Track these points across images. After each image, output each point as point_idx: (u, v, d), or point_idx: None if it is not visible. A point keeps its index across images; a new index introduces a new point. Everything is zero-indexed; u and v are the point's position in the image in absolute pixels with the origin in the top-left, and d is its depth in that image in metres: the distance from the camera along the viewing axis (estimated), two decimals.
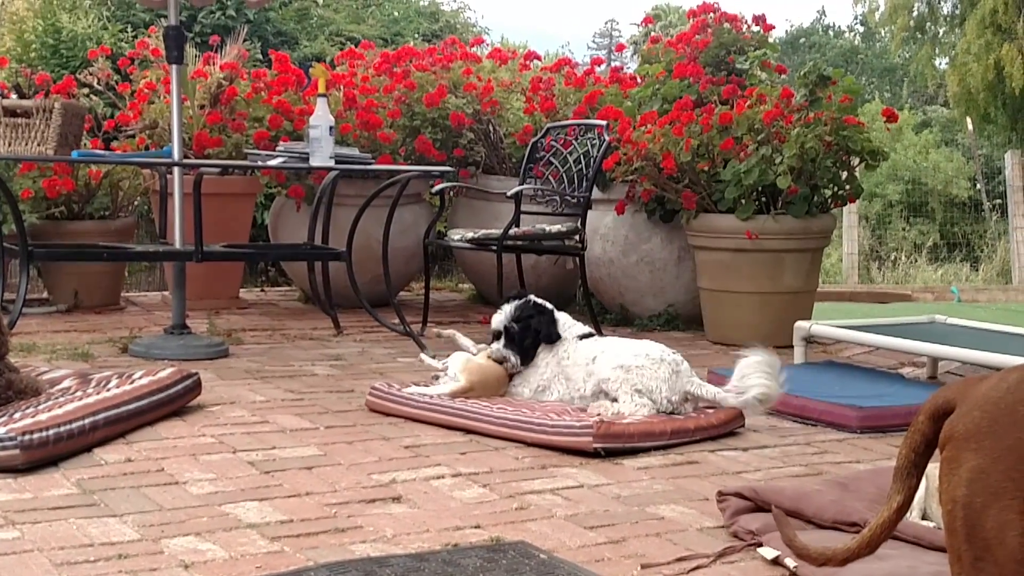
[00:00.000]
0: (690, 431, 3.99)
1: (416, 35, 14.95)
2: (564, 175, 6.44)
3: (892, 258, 15.49)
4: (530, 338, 4.40)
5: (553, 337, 4.41)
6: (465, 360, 4.43)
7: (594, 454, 3.75)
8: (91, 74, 7.31)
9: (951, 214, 17.47)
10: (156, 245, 6.48)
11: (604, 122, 6.42)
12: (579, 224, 6.09)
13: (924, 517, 2.95)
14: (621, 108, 6.76)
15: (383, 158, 6.74)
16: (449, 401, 4.19)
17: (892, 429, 4.26)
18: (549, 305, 4.53)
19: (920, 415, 1.90)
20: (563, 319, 4.50)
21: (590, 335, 4.48)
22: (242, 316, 6.61)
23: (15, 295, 5.44)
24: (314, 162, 5.43)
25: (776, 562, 2.79)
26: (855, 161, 6.24)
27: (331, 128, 5.42)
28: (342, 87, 7.22)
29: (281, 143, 6.05)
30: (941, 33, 16.96)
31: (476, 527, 3.02)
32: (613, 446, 3.78)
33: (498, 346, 4.43)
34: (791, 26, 36.47)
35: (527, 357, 4.42)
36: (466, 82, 7.35)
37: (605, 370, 4.18)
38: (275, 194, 7.37)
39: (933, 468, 3.00)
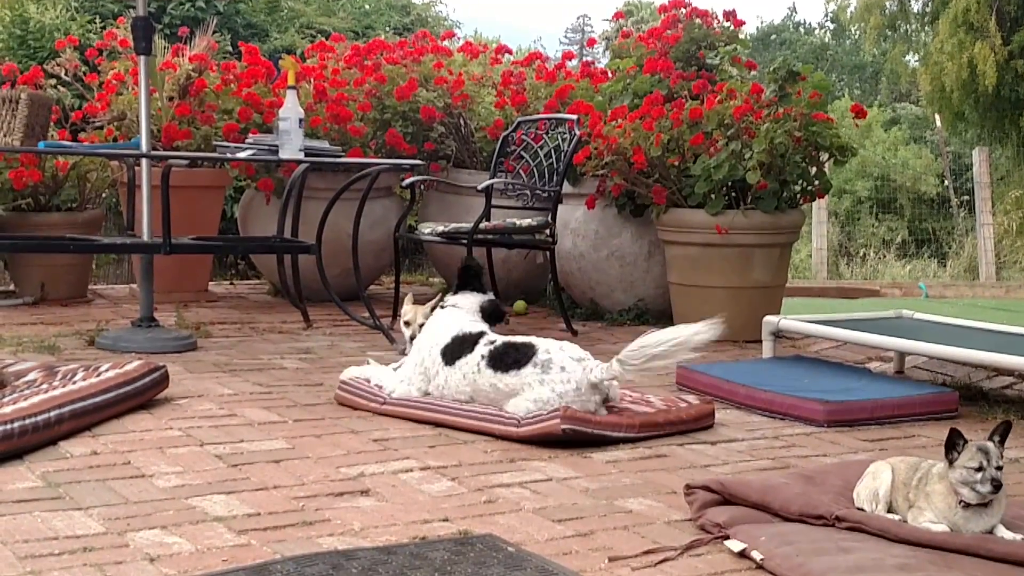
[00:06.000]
0: (659, 425, 4.00)
1: (387, 28, 14.92)
2: (535, 169, 6.44)
3: (861, 254, 15.56)
4: None
5: None
6: None
7: (562, 445, 3.75)
8: (59, 65, 7.24)
9: (919, 210, 17.57)
10: (123, 237, 6.44)
11: (575, 116, 6.42)
12: (549, 218, 6.09)
13: (890, 510, 2.97)
14: (592, 103, 6.77)
15: (353, 151, 6.72)
16: (418, 396, 4.19)
17: (859, 423, 4.29)
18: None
19: None
20: (446, 318, 4.30)
21: (464, 345, 4.12)
22: (211, 309, 6.57)
23: None
24: (284, 155, 5.41)
25: (743, 555, 2.80)
26: (824, 157, 6.27)
27: (301, 121, 5.40)
28: (312, 80, 7.19)
29: (250, 136, 6.03)
30: (912, 31, 17.02)
31: (444, 520, 3.02)
32: (582, 428, 3.79)
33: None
34: (762, 22, 36.61)
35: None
36: (437, 76, 7.33)
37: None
38: (244, 187, 7.33)
39: (899, 462, 3.05)
